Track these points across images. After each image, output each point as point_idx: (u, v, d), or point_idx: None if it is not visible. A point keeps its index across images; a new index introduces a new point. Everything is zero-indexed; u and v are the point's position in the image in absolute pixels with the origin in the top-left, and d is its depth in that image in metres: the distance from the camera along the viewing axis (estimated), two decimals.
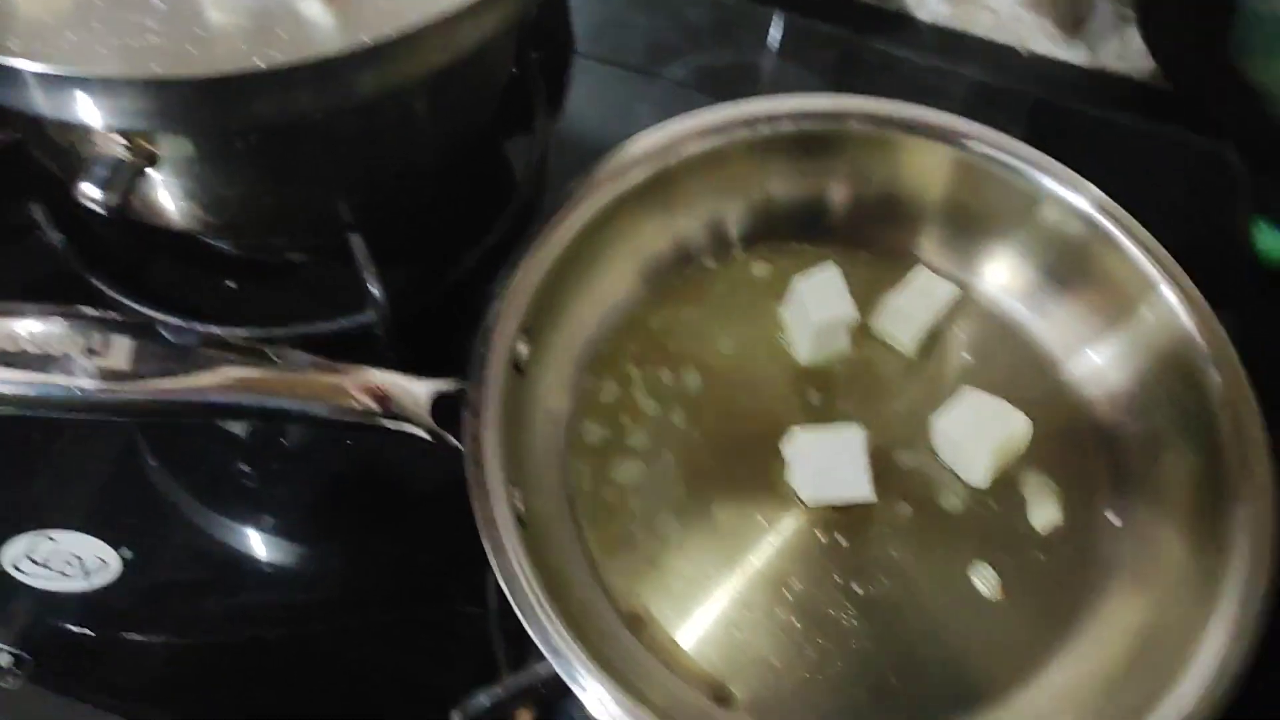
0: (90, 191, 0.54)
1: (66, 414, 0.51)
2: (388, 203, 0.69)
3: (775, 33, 0.93)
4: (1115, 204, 0.65)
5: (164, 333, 0.52)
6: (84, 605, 0.63)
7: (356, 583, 0.67)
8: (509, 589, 0.52)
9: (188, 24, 0.51)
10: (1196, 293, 0.62)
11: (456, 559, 0.64)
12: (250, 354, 0.54)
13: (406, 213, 0.72)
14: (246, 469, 0.69)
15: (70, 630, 0.62)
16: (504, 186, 0.77)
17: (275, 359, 0.53)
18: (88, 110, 0.49)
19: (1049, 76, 0.93)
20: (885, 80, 0.90)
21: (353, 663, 0.63)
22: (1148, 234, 0.64)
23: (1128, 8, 0.90)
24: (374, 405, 0.55)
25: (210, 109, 0.50)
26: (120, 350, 0.51)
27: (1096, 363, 0.66)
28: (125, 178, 0.55)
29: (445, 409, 0.57)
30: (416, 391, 0.56)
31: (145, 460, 0.69)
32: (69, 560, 0.64)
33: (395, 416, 0.56)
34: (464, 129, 0.68)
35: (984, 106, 0.88)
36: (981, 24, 0.94)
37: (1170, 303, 0.62)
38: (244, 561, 0.67)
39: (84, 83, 0.48)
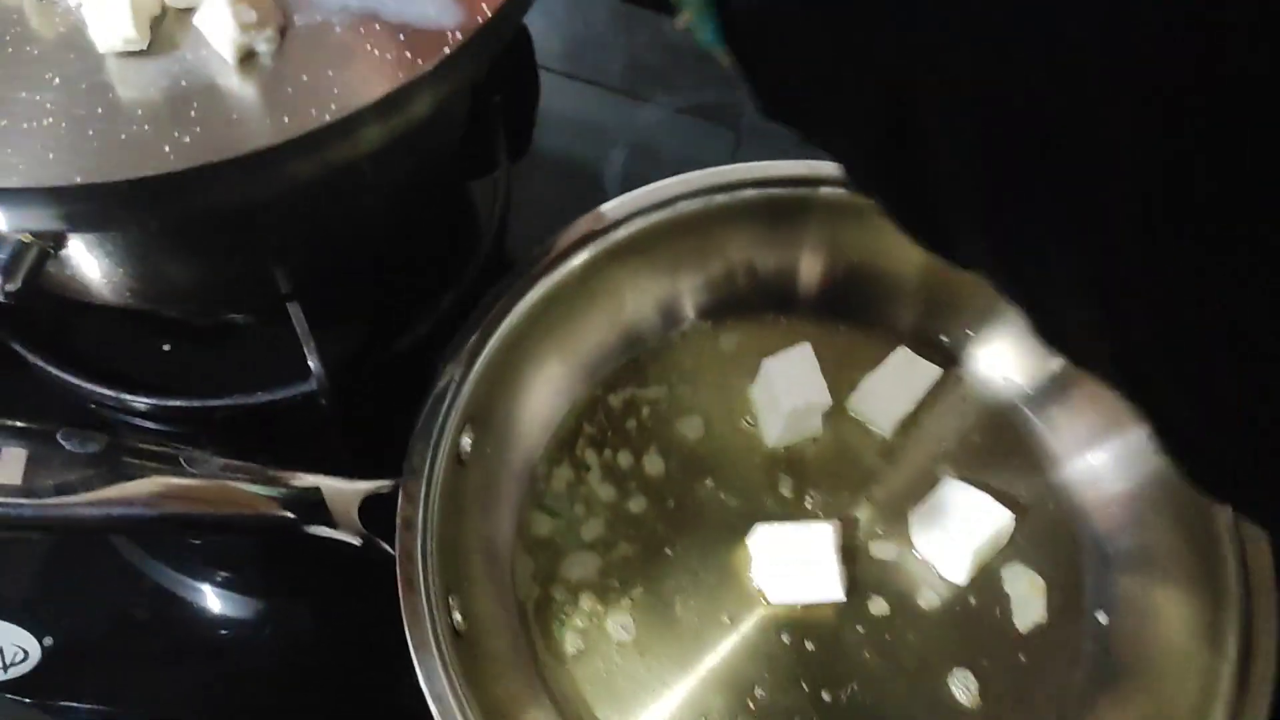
0: None
1: None
2: (330, 269, 0.64)
3: None
4: None
5: (63, 441, 0.47)
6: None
7: (309, 647, 0.63)
8: (436, 710, 0.48)
9: (92, 104, 0.46)
10: None
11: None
12: (161, 460, 0.49)
13: (353, 277, 0.67)
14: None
15: None
16: (465, 238, 0.72)
17: (186, 465, 0.49)
18: None
19: None
20: None
21: None
22: None
23: None
24: (295, 515, 0.50)
25: (122, 211, 0.46)
26: (11, 462, 0.46)
27: (1093, 465, 0.61)
28: (29, 262, 0.50)
29: (379, 510, 0.52)
30: (346, 493, 0.52)
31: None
32: None
33: (323, 522, 0.51)
34: (414, 190, 0.63)
35: None
36: None
37: None
38: (186, 626, 0.63)
39: None
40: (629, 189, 0.62)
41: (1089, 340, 0.27)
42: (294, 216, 0.56)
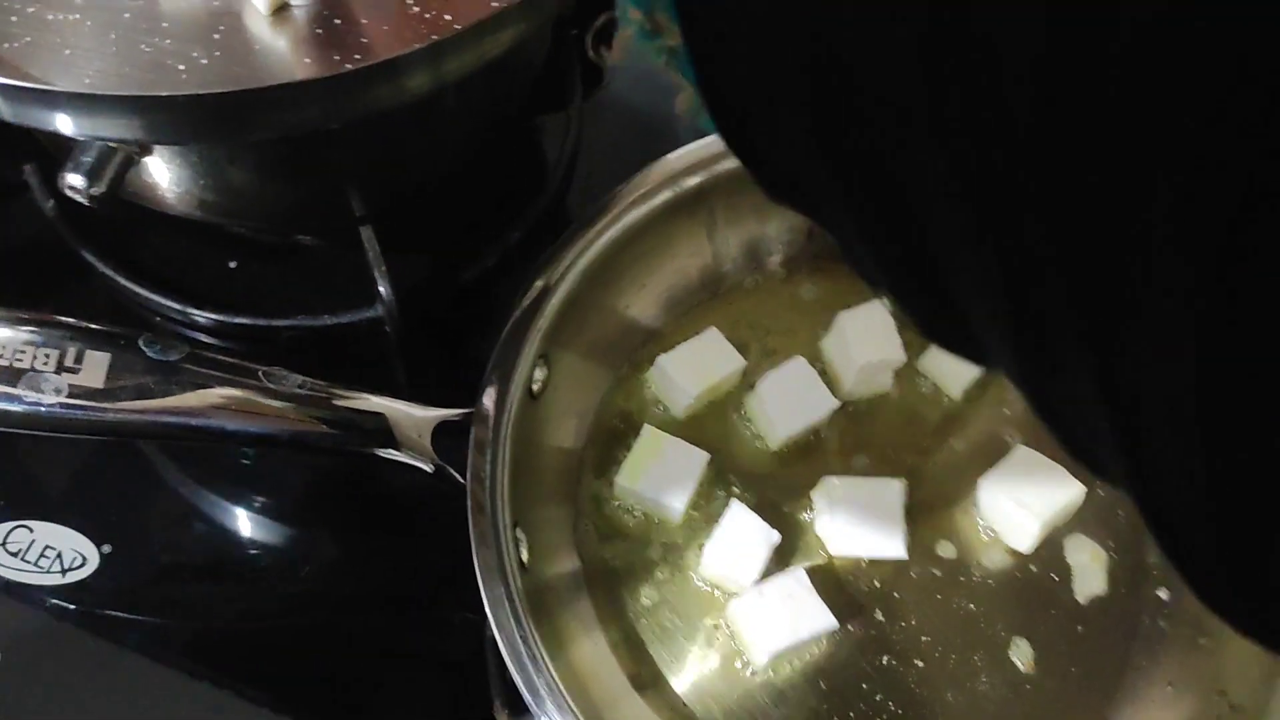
0: (74, 180, 0.49)
1: (29, 431, 0.46)
2: (404, 195, 0.64)
3: None
4: None
5: (145, 348, 0.47)
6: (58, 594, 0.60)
7: (351, 578, 0.63)
8: (506, 649, 0.48)
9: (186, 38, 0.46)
10: None
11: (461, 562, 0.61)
12: (239, 373, 0.49)
13: (424, 205, 0.67)
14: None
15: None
16: (534, 175, 0.72)
17: (265, 380, 0.49)
18: (64, 123, 0.44)
19: None
20: None
21: (339, 667, 0.60)
22: None
23: None
24: (372, 434, 0.50)
25: (206, 126, 0.45)
26: (95, 366, 0.46)
27: None
28: (113, 167, 0.49)
29: (450, 438, 0.52)
30: (418, 420, 0.52)
31: (136, 443, 0.65)
32: (44, 554, 0.60)
33: (396, 445, 0.51)
34: (490, 122, 0.63)
35: None
36: None
37: None
38: (235, 548, 0.63)
39: (51, 97, 0.43)
40: (700, 136, 0.61)
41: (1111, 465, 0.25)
42: (371, 142, 0.56)
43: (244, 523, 0.64)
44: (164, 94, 0.42)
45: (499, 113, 0.63)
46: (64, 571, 0.60)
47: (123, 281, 0.64)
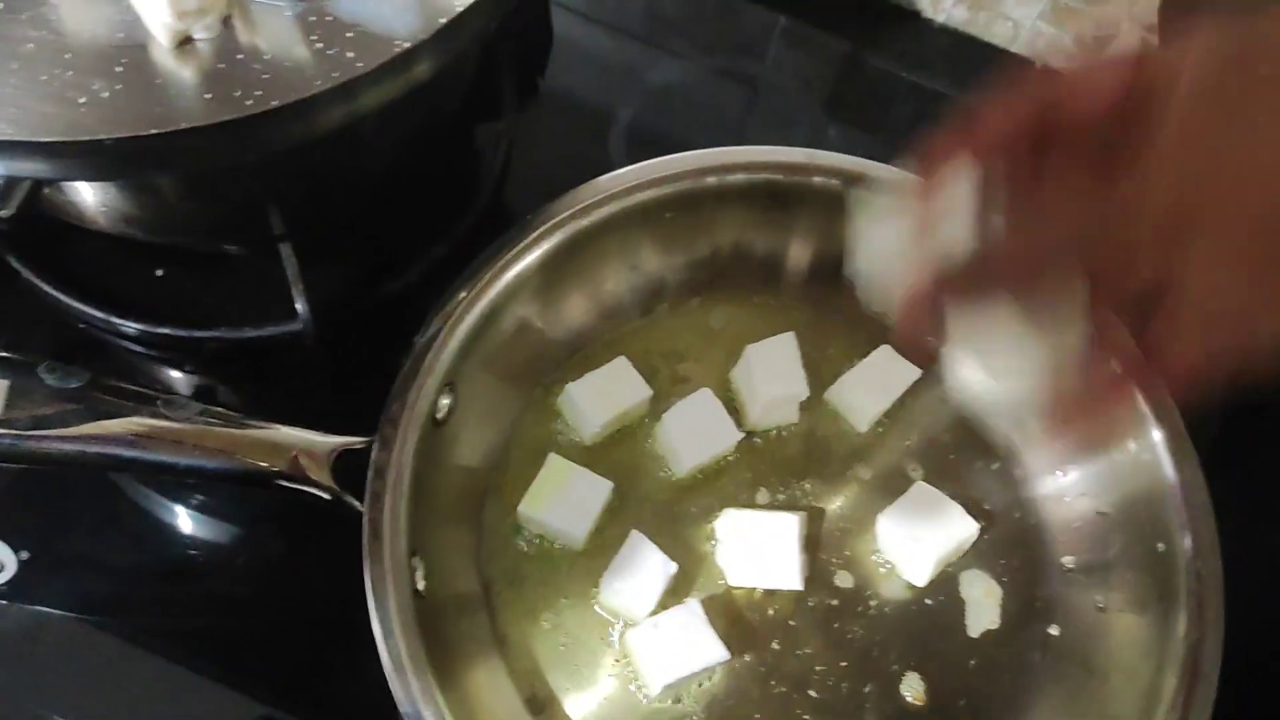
0: None
1: None
2: (326, 213, 0.64)
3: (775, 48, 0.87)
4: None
5: (44, 374, 0.48)
6: None
7: (278, 578, 0.64)
8: (393, 679, 0.49)
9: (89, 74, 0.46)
10: (1189, 443, 0.57)
11: None
12: (139, 400, 0.50)
13: (347, 221, 0.67)
14: None
15: None
16: (464, 188, 0.72)
17: (164, 409, 0.50)
18: None
19: None
20: (886, 97, 0.84)
21: (270, 665, 0.61)
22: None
23: (1153, 34, 0.84)
24: (270, 464, 0.51)
25: (106, 167, 0.46)
26: None
27: (1061, 483, 0.62)
28: (21, 193, 0.50)
29: (351, 466, 0.53)
30: (319, 447, 0.53)
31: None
32: None
33: (294, 477, 0.52)
34: (414, 142, 0.63)
35: None
36: (999, 34, 0.88)
37: (1157, 448, 0.57)
38: (164, 547, 0.64)
39: None
40: (636, 146, 0.61)
41: None
42: (287, 168, 0.56)
43: (172, 521, 0.64)
44: (60, 139, 0.43)
45: (424, 132, 0.64)
46: None
47: (47, 289, 0.64)
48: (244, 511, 0.66)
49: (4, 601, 0.61)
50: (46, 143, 0.43)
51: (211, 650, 0.60)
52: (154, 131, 0.44)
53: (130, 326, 0.65)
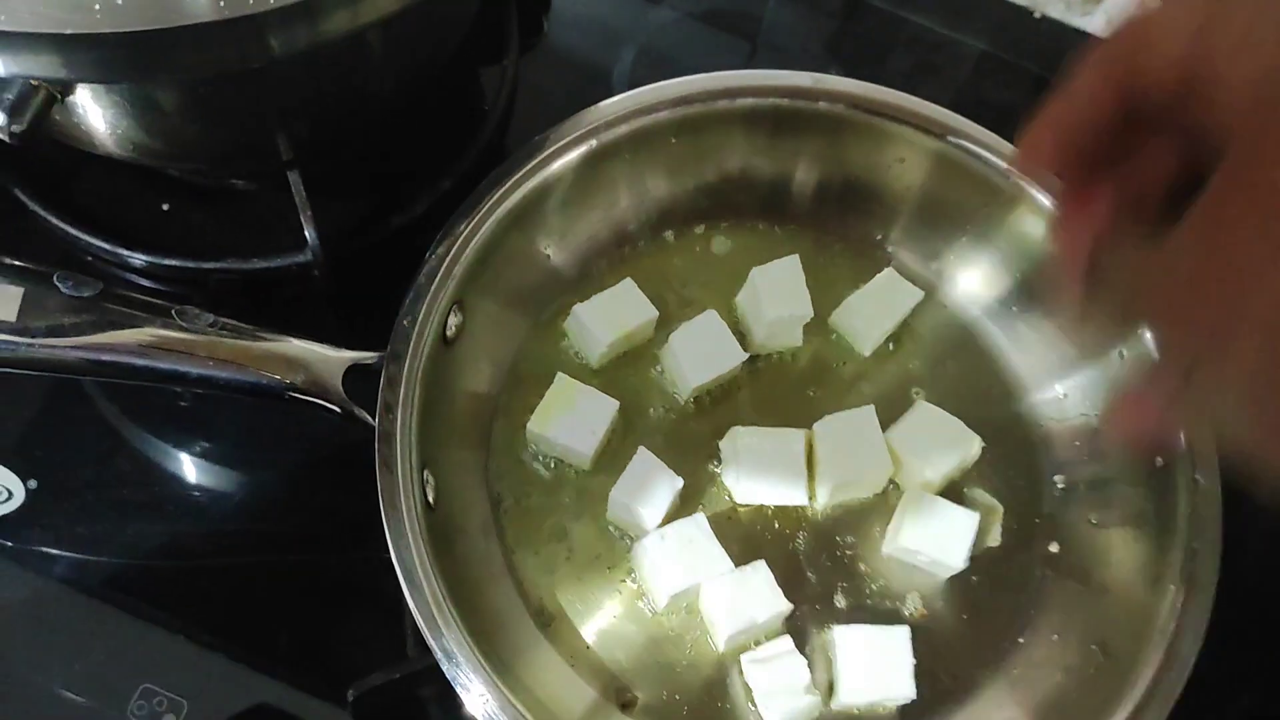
0: None
1: None
2: (333, 139, 0.65)
3: None
4: None
5: (59, 283, 0.48)
6: None
7: (281, 519, 0.65)
8: (404, 580, 0.50)
9: None
10: None
11: None
12: (152, 311, 0.50)
13: (354, 150, 0.68)
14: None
15: None
16: (469, 125, 0.73)
17: (178, 318, 0.50)
18: None
19: (1060, 48, 0.87)
20: (888, 43, 0.85)
21: (266, 606, 0.62)
22: None
23: None
24: (282, 376, 0.51)
25: (120, 65, 0.46)
26: (8, 300, 0.48)
27: (1059, 394, 0.62)
28: (35, 106, 0.50)
29: (362, 381, 0.54)
30: (330, 361, 0.53)
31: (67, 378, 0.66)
32: None
33: (305, 389, 0.52)
34: (421, 69, 0.63)
35: (988, 80, 0.83)
36: None
37: (1149, 346, 0.58)
38: (166, 485, 0.65)
39: None
40: (636, 86, 0.62)
41: None
42: (295, 84, 0.56)
43: (175, 460, 0.65)
44: (77, 32, 0.43)
45: (428, 61, 0.64)
46: None
47: (54, 221, 0.65)
48: (247, 457, 0.66)
49: (9, 543, 0.61)
50: (55, 36, 0.43)
51: (215, 592, 0.61)
52: (161, 26, 0.45)
53: (137, 258, 0.65)
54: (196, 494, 0.65)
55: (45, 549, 0.62)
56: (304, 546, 0.64)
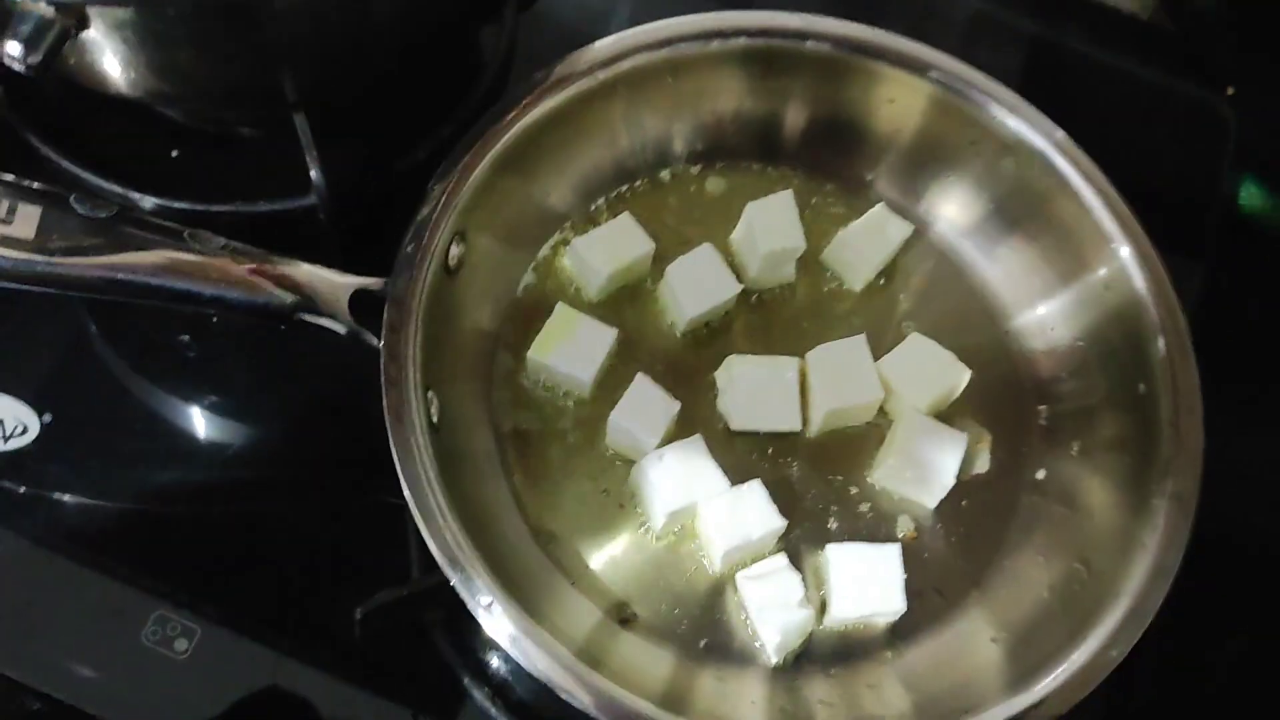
0: (10, 49, 0.51)
1: None
2: (338, 83, 0.66)
3: None
4: (1079, 150, 0.62)
5: (75, 205, 0.50)
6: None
7: (285, 464, 0.66)
8: (411, 494, 0.52)
9: None
10: (1154, 256, 0.60)
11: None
12: (165, 234, 0.52)
13: (359, 94, 0.69)
14: (186, 338, 0.68)
15: None
16: (469, 71, 0.74)
17: (191, 241, 0.52)
18: None
19: (1051, 4, 0.89)
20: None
21: (272, 544, 0.63)
22: (1111, 187, 0.61)
23: None
24: (290, 297, 0.53)
25: None
26: (26, 219, 0.49)
27: (1042, 315, 0.64)
28: (51, 38, 0.52)
29: (367, 306, 0.55)
30: (336, 285, 0.55)
31: (85, 324, 0.68)
32: None
33: (313, 310, 0.54)
34: (421, 21, 0.65)
35: (980, 38, 0.84)
36: None
37: (1125, 263, 0.60)
38: (175, 433, 0.66)
39: None
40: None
41: None
42: (306, 19, 0.58)
43: (183, 407, 0.66)
44: None
45: (430, 8, 0.66)
46: (5, 438, 0.63)
47: (65, 164, 0.66)
48: (258, 407, 0.68)
49: (21, 488, 0.62)
50: None
51: (198, 535, 0.63)
52: None
53: (147, 200, 0.67)
54: (195, 436, 0.66)
55: (57, 494, 0.63)
56: (311, 490, 0.66)
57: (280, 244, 0.69)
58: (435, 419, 0.55)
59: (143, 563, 0.61)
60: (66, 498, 0.63)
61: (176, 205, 0.66)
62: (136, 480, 0.65)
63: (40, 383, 0.66)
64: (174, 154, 0.70)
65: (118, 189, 0.66)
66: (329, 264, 0.69)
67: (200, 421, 0.67)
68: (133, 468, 0.65)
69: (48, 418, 0.64)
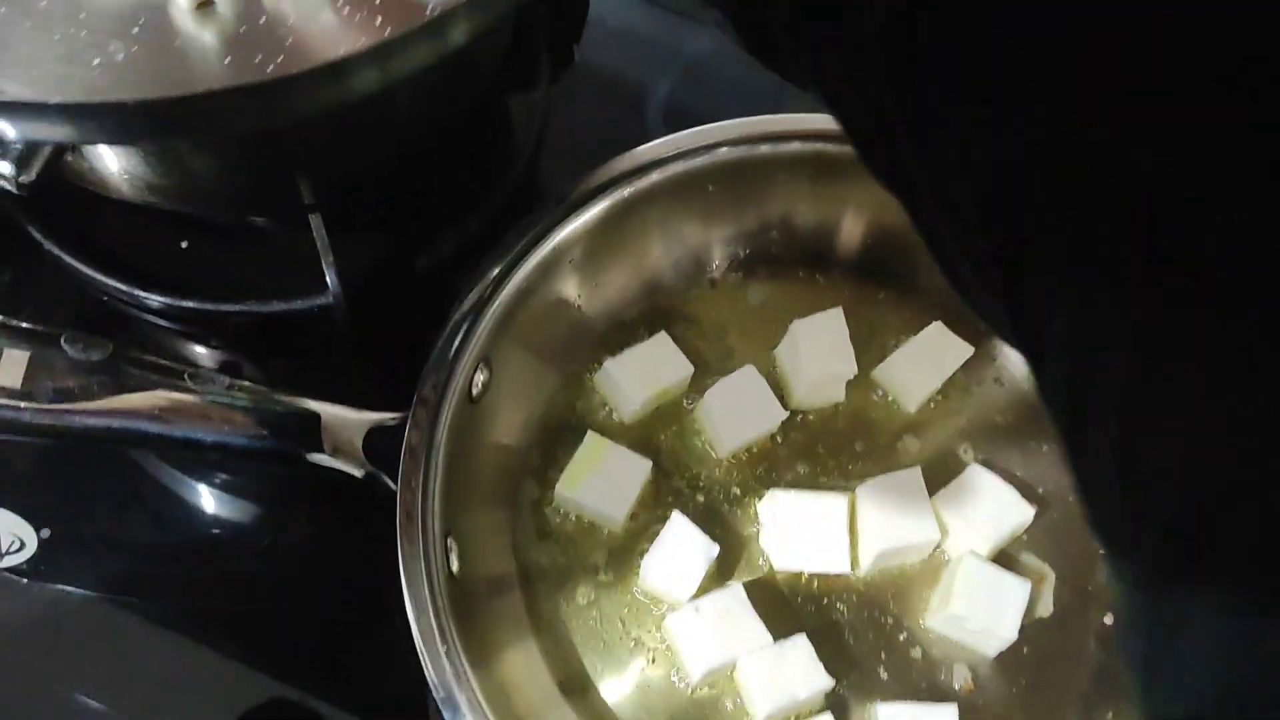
0: (1, 169, 0.47)
1: None
2: (356, 184, 0.62)
3: None
4: None
5: (67, 346, 0.46)
6: None
7: (306, 564, 0.63)
8: (426, 659, 0.48)
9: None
10: None
11: None
12: (164, 374, 0.48)
13: (379, 192, 0.65)
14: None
15: None
16: (498, 162, 0.70)
17: (190, 382, 0.48)
18: None
19: None
20: None
21: (288, 652, 0.60)
22: None
23: None
24: (300, 441, 0.49)
25: (122, 130, 0.43)
26: (13, 364, 0.45)
27: None
28: (42, 157, 0.48)
29: (384, 443, 0.51)
30: (351, 423, 0.51)
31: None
32: None
33: (325, 450, 0.50)
34: (448, 108, 0.61)
35: None
36: None
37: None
38: (186, 527, 0.63)
39: None
40: (672, 119, 0.59)
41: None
42: (317, 134, 0.54)
43: (196, 500, 0.63)
44: (79, 101, 0.41)
45: (457, 103, 0.62)
46: (0, 555, 0.60)
47: (70, 261, 0.62)
48: (270, 491, 0.64)
49: (25, 580, 0.60)
50: (66, 105, 0.41)
51: (237, 632, 0.60)
52: (175, 95, 0.42)
53: (154, 300, 0.63)
54: (217, 531, 0.63)
55: (63, 587, 0.60)
56: (331, 586, 0.63)
57: (293, 344, 0.66)
58: (455, 568, 0.51)
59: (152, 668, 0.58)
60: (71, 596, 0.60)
61: (185, 304, 0.63)
62: (142, 577, 0.61)
63: (37, 492, 0.63)
64: (183, 245, 0.66)
65: (123, 286, 0.62)
66: (344, 367, 0.66)
67: (211, 512, 0.64)
68: (138, 564, 0.62)
69: (46, 532, 0.61)
